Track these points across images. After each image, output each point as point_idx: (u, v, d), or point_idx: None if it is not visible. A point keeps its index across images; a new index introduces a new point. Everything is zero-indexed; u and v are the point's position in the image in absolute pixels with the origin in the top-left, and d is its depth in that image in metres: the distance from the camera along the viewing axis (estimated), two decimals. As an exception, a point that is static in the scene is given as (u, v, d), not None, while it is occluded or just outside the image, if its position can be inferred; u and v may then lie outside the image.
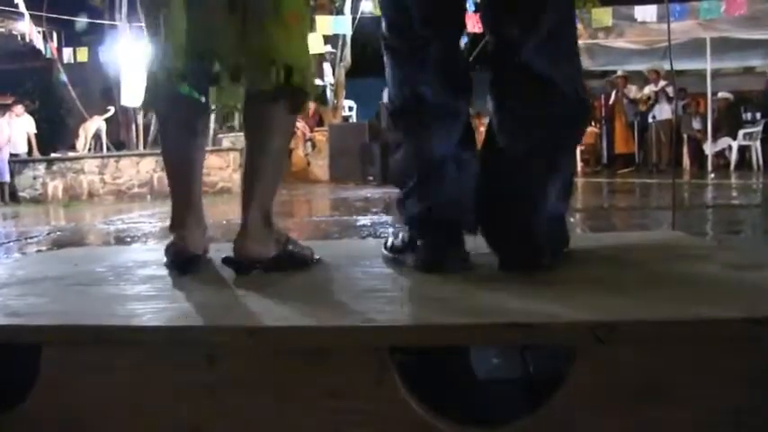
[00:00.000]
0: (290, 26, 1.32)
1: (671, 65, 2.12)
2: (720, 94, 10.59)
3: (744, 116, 10.81)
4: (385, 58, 1.39)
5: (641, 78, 10.95)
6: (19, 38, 11.16)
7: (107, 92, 11.80)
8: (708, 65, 9.80)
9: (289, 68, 1.29)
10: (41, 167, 10.05)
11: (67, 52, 10.86)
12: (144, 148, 10.62)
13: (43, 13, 10.47)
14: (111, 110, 11.14)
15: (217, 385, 0.91)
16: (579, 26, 9.94)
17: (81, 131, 10.98)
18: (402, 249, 1.35)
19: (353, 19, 11.31)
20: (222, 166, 9.40)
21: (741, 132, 10.13)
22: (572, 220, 4.37)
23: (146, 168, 9.72)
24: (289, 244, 1.41)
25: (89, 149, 10.79)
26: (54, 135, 12.56)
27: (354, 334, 0.91)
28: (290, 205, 7.30)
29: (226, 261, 1.32)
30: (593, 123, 11.55)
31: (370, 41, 12.62)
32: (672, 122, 9.94)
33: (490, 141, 1.34)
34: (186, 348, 0.93)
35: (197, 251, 1.41)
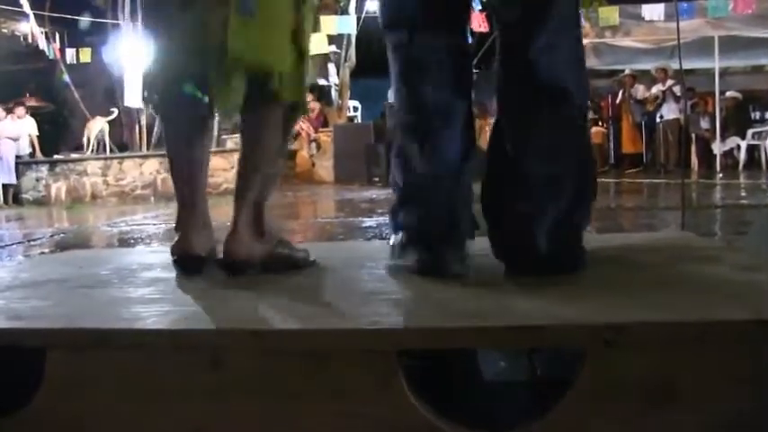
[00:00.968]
0: (268, 27, 1.30)
1: (680, 64, 2.10)
2: (729, 94, 10.52)
3: (752, 115, 10.75)
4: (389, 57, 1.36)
5: (649, 77, 10.88)
6: (21, 39, 11.20)
7: (110, 92, 11.83)
8: (716, 63, 9.75)
9: (265, 75, 1.29)
10: (44, 169, 10.07)
11: (70, 53, 10.89)
12: (147, 149, 10.62)
13: (46, 13, 10.50)
14: (115, 112, 11.15)
15: (221, 388, 0.90)
16: (586, 25, 9.94)
17: (85, 132, 11.01)
18: (401, 252, 1.32)
19: (358, 19, 11.30)
20: (226, 167, 9.37)
21: (750, 132, 10.07)
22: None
23: (149, 170, 9.72)
24: (280, 246, 1.39)
25: (92, 150, 10.80)
26: (57, 136, 12.58)
27: (361, 337, 0.90)
28: (294, 207, 7.29)
29: (217, 263, 1.33)
30: (600, 123, 11.52)
31: (375, 41, 12.59)
32: (680, 122, 9.89)
33: (496, 143, 1.31)
34: (190, 351, 0.92)
35: (201, 252, 1.39)
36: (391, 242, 1.37)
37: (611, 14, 9.65)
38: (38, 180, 10.03)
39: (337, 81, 13.02)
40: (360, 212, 5.97)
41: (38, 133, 10.89)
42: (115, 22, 11.20)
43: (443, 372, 1.06)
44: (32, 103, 12.11)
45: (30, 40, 10.61)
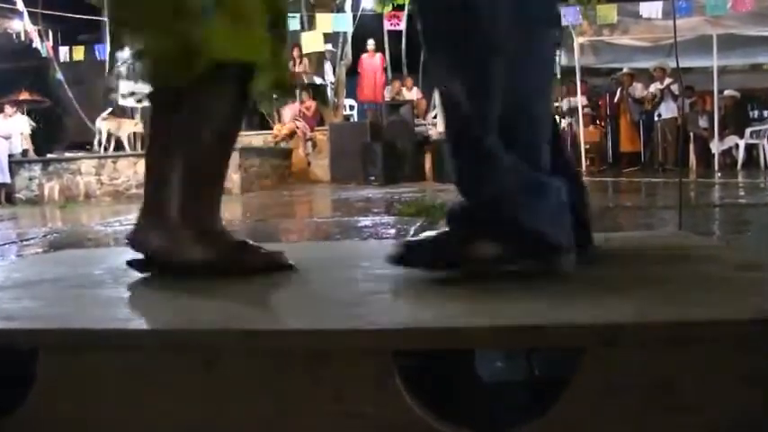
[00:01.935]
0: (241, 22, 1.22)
1: (677, 62, 2.07)
2: (727, 92, 10.53)
3: (751, 114, 10.79)
4: None
5: (647, 76, 10.87)
6: (14, 36, 11.13)
7: (105, 91, 11.75)
8: (714, 62, 9.73)
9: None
10: (37, 168, 9.97)
11: (63, 51, 10.82)
12: (142, 148, 10.55)
13: (39, 10, 10.43)
14: (109, 110, 11.09)
15: (215, 389, 0.89)
16: (584, 23, 9.93)
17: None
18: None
19: (354, 16, 11.25)
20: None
21: (748, 130, 10.07)
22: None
23: (143, 169, 9.66)
24: (237, 250, 1.31)
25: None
26: (51, 135, 12.50)
27: (356, 337, 0.89)
28: (290, 206, 7.23)
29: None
30: (597, 122, 11.50)
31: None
32: (678, 120, 9.87)
33: None
34: (184, 352, 0.92)
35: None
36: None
37: (609, 12, 9.63)
38: (31, 179, 9.94)
39: (333, 79, 12.96)
40: (356, 212, 5.92)
41: (30, 131, 10.81)
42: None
43: (440, 372, 1.04)
44: (27, 97, 12.03)
45: (23, 38, 10.54)
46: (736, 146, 10.16)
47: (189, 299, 1.14)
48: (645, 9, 9.30)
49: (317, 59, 12.60)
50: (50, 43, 10.92)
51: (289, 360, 0.88)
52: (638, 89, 10.87)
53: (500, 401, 1.10)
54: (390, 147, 10.14)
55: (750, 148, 10.10)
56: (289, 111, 11.81)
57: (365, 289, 1.16)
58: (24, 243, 4.75)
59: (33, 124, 11.37)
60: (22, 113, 11.57)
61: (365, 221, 4.95)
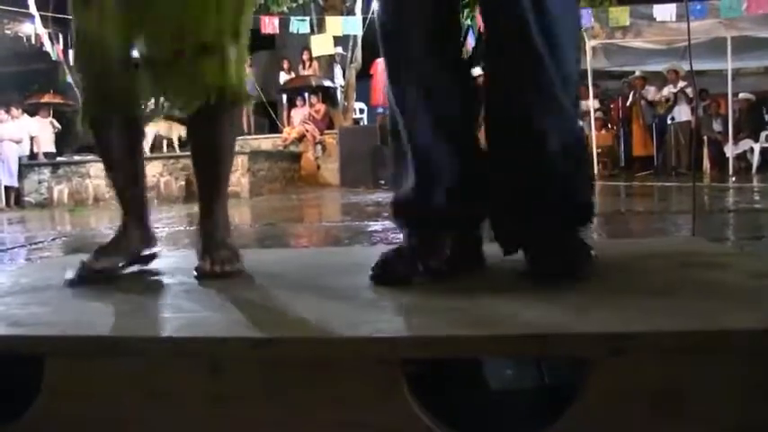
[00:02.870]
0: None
1: (690, 65, 2.01)
2: (741, 95, 10.44)
3: (766, 117, 10.63)
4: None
5: (660, 79, 10.76)
6: (25, 39, 11.18)
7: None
8: (729, 64, 9.62)
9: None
10: (47, 171, 9.99)
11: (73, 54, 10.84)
12: (150, 151, 10.54)
13: (49, 14, 10.46)
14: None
15: (221, 397, 0.90)
16: (596, 26, 9.83)
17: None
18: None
19: (364, 19, 11.18)
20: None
21: (763, 134, 9.97)
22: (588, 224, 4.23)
23: (152, 172, 9.58)
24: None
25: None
26: (62, 137, 12.53)
27: (363, 346, 0.89)
28: (299, 210, 7.19)
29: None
30: (609, 125, 11.39)
31: (382, 43, 12.48)
32: (691, 124, 9.77)
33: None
34: (190, 360, 0.92)
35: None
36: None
37: (621, 15, 9.52)
38: (40, 182, 9.95)
39: (343, 83, 12.93)
40: (365, 216, 5.86)
41: (36, 134, 10.82)
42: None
43: (448, 380, 1.04)
44: (48, 99, 11.99)
45: (33, 41, 10.58)
46: (751, 149, 10.05)
47: (195, 306, 1.14)
48: (658, 12, 9.19)
49: (327, 63, 12.57)
50: (60, 47, 10.95)
51: (294, 368, 0.88)
52: (650, 92, 10.77)
53: (509, 409, 1.08)
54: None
55: (765, 152, 9.98)
56: (298, 114, 11.78)
57: (373, 296, 1.16)
58: (33, 246, 4.73)
59: (59, 126, 11.38)
60: (47, 116, 11.59)
61: (375, 226, 4.88)
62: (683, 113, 10.19)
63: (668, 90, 10.41)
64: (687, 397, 0.82)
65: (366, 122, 13.20)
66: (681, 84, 10.20)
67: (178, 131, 11.01)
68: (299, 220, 5.96)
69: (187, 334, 0.96)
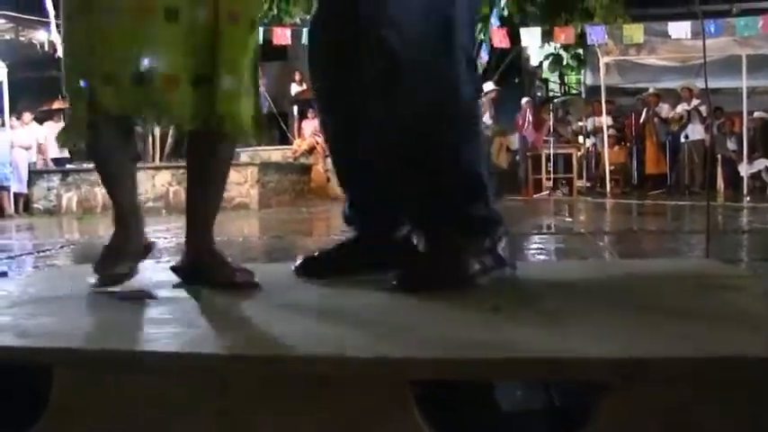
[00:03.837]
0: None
1: (705, 83, 1.98)
2: (756, 114, 10.39)
3: (781, 137, 10.51)
4: None
5: (674, 96, 10.69)
6: (38, 47, 11.23)
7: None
8: (743, 83, 9.55)
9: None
10: (56, 179, 9.96)
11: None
12: (160, 160, 10.52)
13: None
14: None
15: (230, 412, 0.90)
16: (610, 42, 9.78)
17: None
18: None
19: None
20: (240, 181, 9.22)
21: (778, 153, 9.84)
22: (600, 243, 4.16)
23: (161, 182, 9.58)
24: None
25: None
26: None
27: (373, 366, 0.88)
28: (308, 222, 7.14)
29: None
30: (622, 142, 11.30)
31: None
32: (705, 142, 9.69)
33: None
34: (199, 375, 0.92)
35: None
36: None
37: (635, 32, 9.47)
38: (49, 189, 9.93)
39: (354, 96, 12.91)
40: (374, 229, 5.80)
41: (43, 141, 10.82)
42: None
43: (458, 401, 1.03)
44: (59, 105, 12.02)
45: (47, 48, 10.61)
46: (766, 169, 9.98)
47: (205, 320, 1.16)
48: (673, 29, 9.14)
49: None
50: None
51: (303, 387, 0.88)
52: (664, 110, 10.70)
53: (519, 431, 1.08)
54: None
55: (780, 172, 9.86)
56: (309, 126, 11.76)
57: (383, 314, 1.16)
58: (40, 254, 4.70)
59: None
60: (59, 121, 11.61)
61: (383, 240, 4.81)
62: (696, 132, 10.11)
63: (682, 108, 10.33)
64: (701, 423, 0.81)
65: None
66: (695, 102, 10.13)
67: None
68: (308, 234, 5.92)
69: (198, 350, 0.97)
